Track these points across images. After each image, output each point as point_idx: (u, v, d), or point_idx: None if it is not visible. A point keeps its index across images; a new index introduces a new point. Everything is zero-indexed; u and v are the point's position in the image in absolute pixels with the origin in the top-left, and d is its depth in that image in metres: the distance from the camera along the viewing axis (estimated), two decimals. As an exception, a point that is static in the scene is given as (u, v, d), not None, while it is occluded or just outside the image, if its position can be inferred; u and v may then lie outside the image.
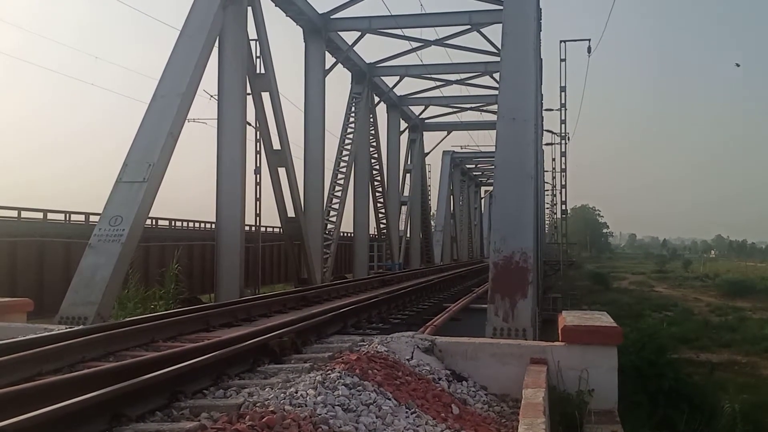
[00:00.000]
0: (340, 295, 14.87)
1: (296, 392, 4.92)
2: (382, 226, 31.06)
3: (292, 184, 18.33)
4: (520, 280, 10.05)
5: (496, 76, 23.62)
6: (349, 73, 26.33)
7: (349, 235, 29.94)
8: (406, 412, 5.16)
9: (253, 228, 19.25)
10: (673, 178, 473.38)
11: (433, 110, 36.25)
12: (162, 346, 7.58)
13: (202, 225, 27.78)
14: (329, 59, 22.63)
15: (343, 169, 25.40)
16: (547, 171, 42.90)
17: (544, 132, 35.17)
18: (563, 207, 31.68)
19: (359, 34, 23.19)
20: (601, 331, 7.07)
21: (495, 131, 12.23)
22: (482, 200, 71.03)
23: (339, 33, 22.97)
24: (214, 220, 16.41)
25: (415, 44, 24.78)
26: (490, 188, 59.24)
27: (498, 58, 16.11)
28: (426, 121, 37.58)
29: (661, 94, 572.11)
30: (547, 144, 38.18)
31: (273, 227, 28.05)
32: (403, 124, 34.71)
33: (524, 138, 11.65)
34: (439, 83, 30.97)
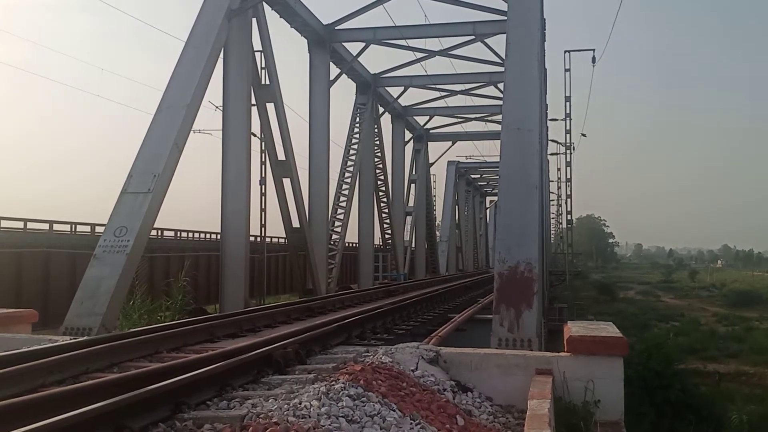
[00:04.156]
0: (345, 306, 14.84)
1: (300, 403, 4.89)
2: (387, 236, 31.05)
3: (297, 194, 18.35)
4: (525, 290, 10.01)
5: (501, 86, 23.66)
6: (354, 84, 26.41)
7: (354, 245, 29.92)
8: (411, 424, 5.12)
9: (258, 238, 19.25)
10: (679, 187, 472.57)
11: (437, 120, 36.36)
12: (166, 357, 7.56)
13: (208, 236, 27.79)
14: (334, 70, 22.75)
15: (348, 180, 25.43)
16: (552, 181, 42.87)
17: (549, 142, 35.13)
18: (569, 217, 31.53)
19: (364, 44, 23.28)
20: (606, 342, 7.02)
21: (500, 141, 12.21)
22: (487, 210, 70.95)
23: (343, 44, 23.06)
24: (219, 231, 16.42)
25: (420, 55, 24.88)
26: (496, 198, 59.21)
27: (502, 69, 16.15)
28: (431, 131, 37.62)
29: (665, 103, 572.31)
30: (552, 154, 38.16)
31: (278, 238, 28.06)
32: (408, 135, 34.77)
33: (529, 148, 11.64)
34: (443, 93, 31.03)
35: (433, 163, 40.61)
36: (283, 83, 17.81)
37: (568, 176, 30.72)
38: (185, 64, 13.75)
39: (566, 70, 27.88)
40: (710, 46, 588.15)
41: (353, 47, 23.69)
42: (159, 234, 23.00)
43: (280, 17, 19.43)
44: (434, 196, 44.24)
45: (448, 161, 47.17)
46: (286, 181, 18.02)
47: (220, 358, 6.44)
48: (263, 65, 17.32)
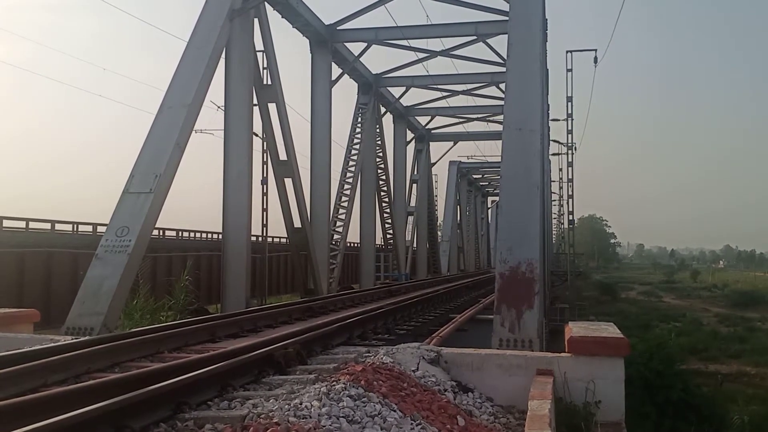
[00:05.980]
0: (346, 306, 14.84)
1: (301, 403, 4.89)
2: (388, 236, 31.04)
3: (299, 194, 18.36)
4: (526, 290, 10.01)
5: (503, 86, 23.61)
6: (356, 84, 26.40)
7: (355, 245, 29.91)
8: (411, 424, 5.13)
9: (260, 238, 19.27)
10: (681, 188, 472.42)
11: (439, 120, 36.33)
12: (167, 357, 7.56)
13: (209, 235, 27.82)
14: (336, 70, 22.72)
15: (350, 180, 25.42)
16: (554, 181, 42.90)
17: (551, 142, 35.15)
18: (570, 217, 31.53)
19: (365, 45, 23.27)
20: (607, 343, 7.02)
21: (501, 141, 12.21)
22: (489, 210, 70.94)
23: (345, 44, 23.04)
24: (221, 231, 16.43)
25: (422, 55, 24.87)
26: (497, 198, 59.17)
27: (504, 69, 16.13)
28: (432, 131, 37.62)
29: (667, 103, 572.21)
30: (554, 154, 38.19)
31: (280, 237, 28.08)
32: (410, 135, 34.74)
33: (530, 148, 11.64)
34: (445, 94, 31.02)
35: (434, 163, 40.63)
36: (285, 83, 17.84)
37: (570, 176, 30.80)
38: (187, 63, 13.76)
39: (568, 71, 27.93)
40: (712, 46, 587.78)
41: (355, 47, 23.69)
42: (161, 234, 23.03)
43: (282, 17, 19.43)
44: (436, 196, 44.27)
45: (450, 161, 47.22)
46: (288, 181, 18.02)
47: (221, 358, 6.44)
48: (265, 65, 17.33)
